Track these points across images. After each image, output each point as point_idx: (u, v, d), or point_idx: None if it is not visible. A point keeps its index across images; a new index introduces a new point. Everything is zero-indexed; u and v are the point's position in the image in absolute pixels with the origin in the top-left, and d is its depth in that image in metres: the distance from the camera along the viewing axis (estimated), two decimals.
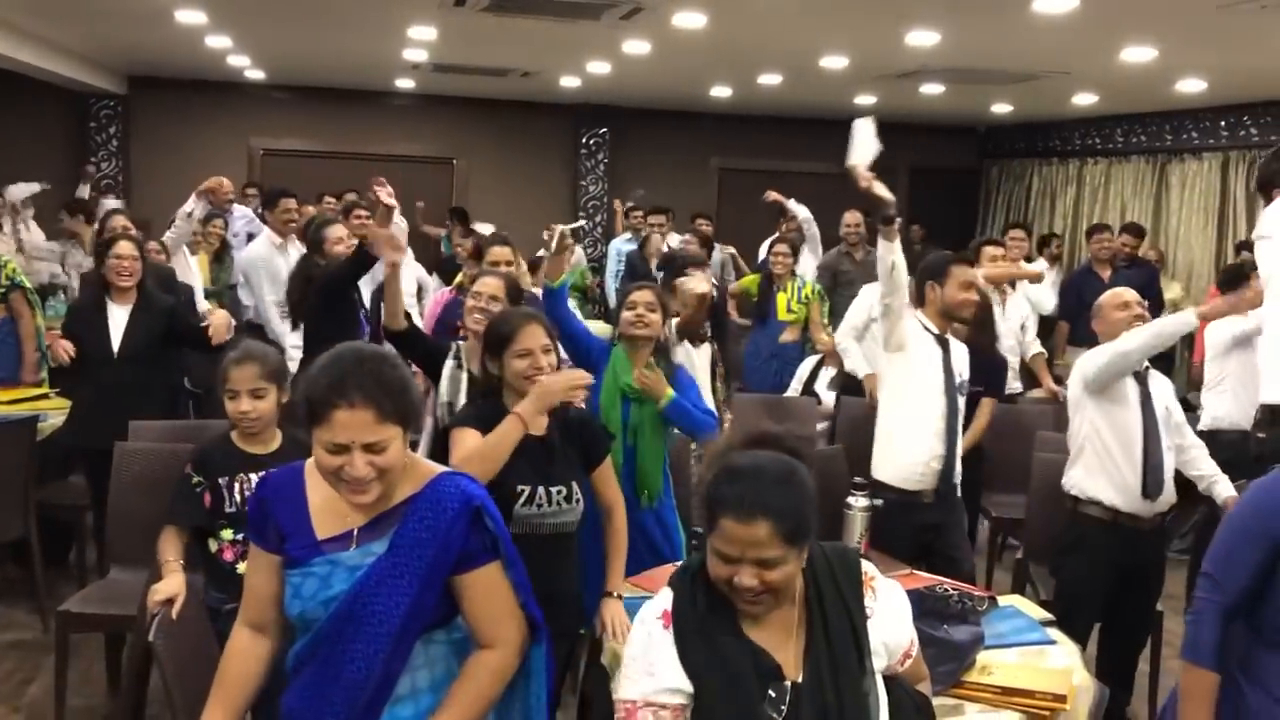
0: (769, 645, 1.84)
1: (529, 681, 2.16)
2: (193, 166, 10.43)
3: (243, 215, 8.43)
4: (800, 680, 1.83)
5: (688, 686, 1.82)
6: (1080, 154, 11.27)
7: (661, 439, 3.62)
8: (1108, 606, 3.88)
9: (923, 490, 3.88)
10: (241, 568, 3.03)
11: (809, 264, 7.34)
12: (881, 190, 3.83)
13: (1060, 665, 2.75)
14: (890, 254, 3.83)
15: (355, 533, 1.99)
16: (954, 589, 3.04)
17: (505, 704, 2.13)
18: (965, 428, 4.25)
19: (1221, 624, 2.23)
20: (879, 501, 3.58)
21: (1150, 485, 3.69)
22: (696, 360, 4.50)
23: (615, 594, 2.98)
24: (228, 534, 3.11)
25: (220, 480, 3.11)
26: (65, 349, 4.55)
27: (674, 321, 4.11)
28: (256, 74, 10.71)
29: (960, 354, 4.02)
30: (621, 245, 9.06)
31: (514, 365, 2.90)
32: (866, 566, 1.99)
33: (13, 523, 4.50)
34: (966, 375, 4.01)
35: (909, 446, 3.89)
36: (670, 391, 3.54)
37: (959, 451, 3.96)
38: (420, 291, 6.97)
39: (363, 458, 1.89)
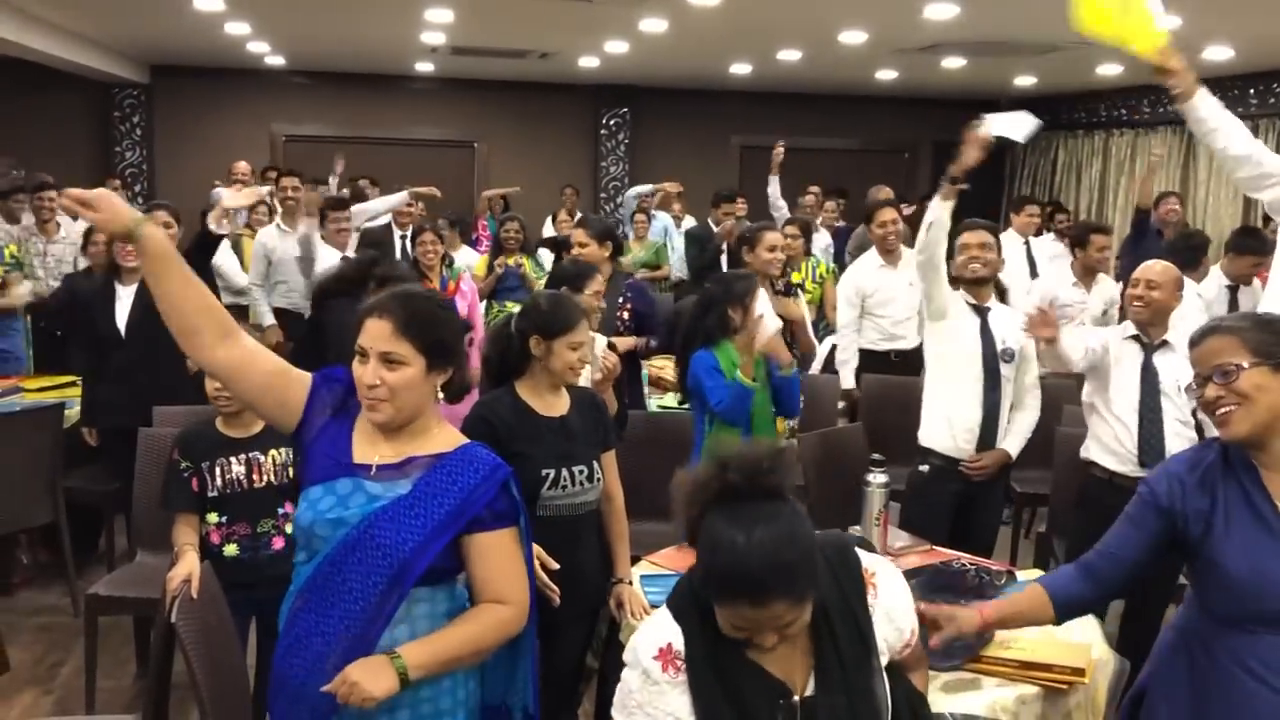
0: (777, 661, 1.79)
1: (516, 652, 2.21)
2: (215, 153, 10.54)
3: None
4: (811, 694, 1.79)
5: None
6: (1106, 126, 11.14)
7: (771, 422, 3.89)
8: None
9: (963, 458, 3.93)
10: (229, 550, 3.12)
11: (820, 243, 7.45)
12: (969, 155, 3.79)
13: (1079, 639, 2.73)
14: (933, 212, 3.86)
15: (374, 467, 2.07)
16: (971, 563, 3.03)
17: (492, 670, 2.20)
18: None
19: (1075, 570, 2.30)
20: (925, 467, 3.84)
21: (1146, 456, 3.67)
22: None
23: (625, 580, 2.99)
24: (213, 517, 3.18)
25: (203, 464, 3.17)
26: None
27: None
28: (276, 60, 10.74)
29: (1004, 321, 4.01)
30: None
31: (565, 356, 2.87)
32: (866, 562, 1.91)
33: (43, 508, 4.56)
34: (1014, 343, 3.97)
35: (949, 413, 3.94)
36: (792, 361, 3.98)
37: (1003, 420, 3.97)
38: None
39: (375, 367, 2.02)
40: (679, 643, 1.78)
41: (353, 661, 1.97)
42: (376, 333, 2.04)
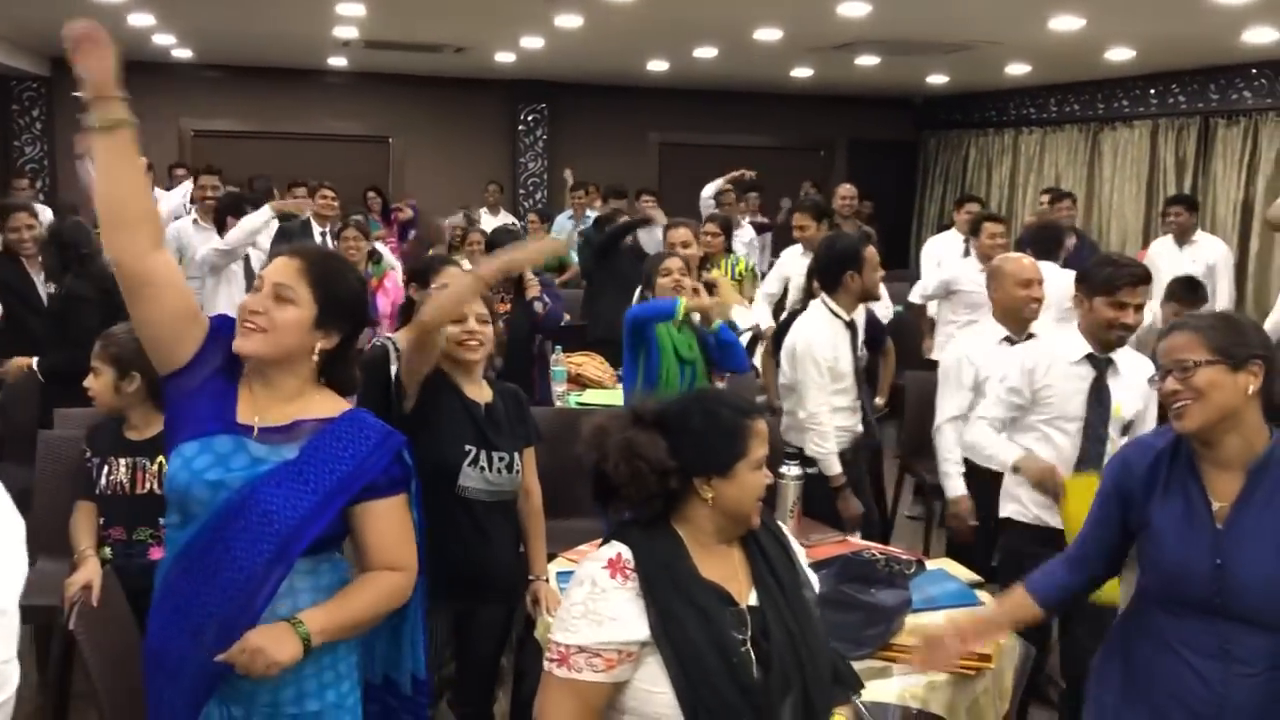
0: (721, 579, 1.92)
1: (400, 620, 2.18)
2: None
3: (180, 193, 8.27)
4: (755, 604, 1.93)
5: (635, 635, 1.83)
6: (1015, 124, 11.39)
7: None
8: None
9: (843, 450, 4.02)
10: (103, 552, 3.02)
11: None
12: None
13: None
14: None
15: (256, 428, 2.01)
16: (881, 553, 3.07)
17: (373, 644, 2.19)
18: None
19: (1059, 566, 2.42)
20: (813, 470, 3.80)
21: None
22: None
23: (542, 578, 2.99)
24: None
25: (97, 459, 3.13)
26: None
27: None
28: (184, 53, 10.48)
29: (862, 327, 4.23)
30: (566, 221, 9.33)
31: (448, 330, 2.86)
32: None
33: None
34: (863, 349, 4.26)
35: (836, 424, 3.99)
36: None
37: (871, 416, 4.22)
38: None
39: (265, 297, 2.00)
40: (628, 554, 1.88)
41: (233, 635, 1.89)
42: (280, 267, 2.04)
